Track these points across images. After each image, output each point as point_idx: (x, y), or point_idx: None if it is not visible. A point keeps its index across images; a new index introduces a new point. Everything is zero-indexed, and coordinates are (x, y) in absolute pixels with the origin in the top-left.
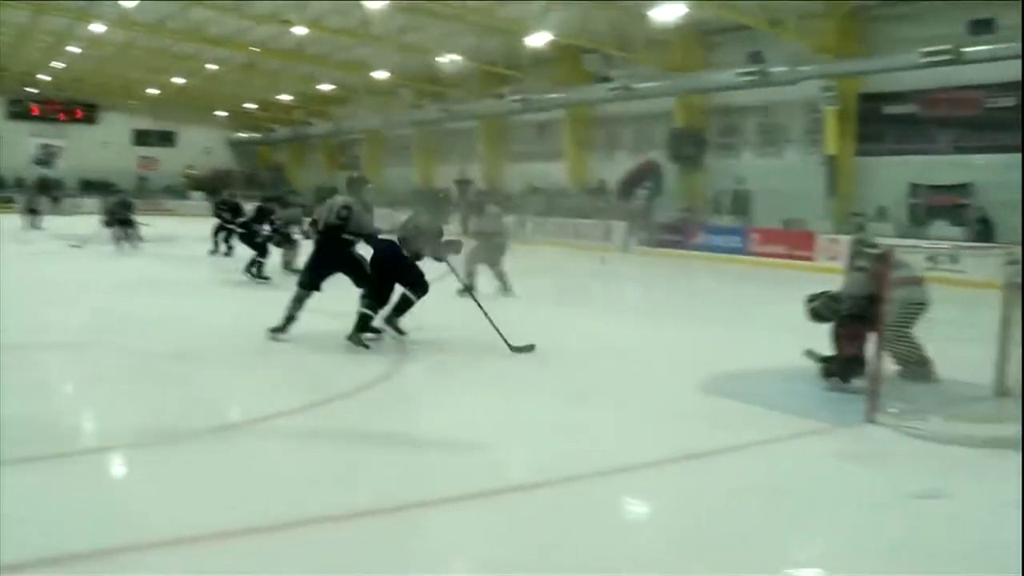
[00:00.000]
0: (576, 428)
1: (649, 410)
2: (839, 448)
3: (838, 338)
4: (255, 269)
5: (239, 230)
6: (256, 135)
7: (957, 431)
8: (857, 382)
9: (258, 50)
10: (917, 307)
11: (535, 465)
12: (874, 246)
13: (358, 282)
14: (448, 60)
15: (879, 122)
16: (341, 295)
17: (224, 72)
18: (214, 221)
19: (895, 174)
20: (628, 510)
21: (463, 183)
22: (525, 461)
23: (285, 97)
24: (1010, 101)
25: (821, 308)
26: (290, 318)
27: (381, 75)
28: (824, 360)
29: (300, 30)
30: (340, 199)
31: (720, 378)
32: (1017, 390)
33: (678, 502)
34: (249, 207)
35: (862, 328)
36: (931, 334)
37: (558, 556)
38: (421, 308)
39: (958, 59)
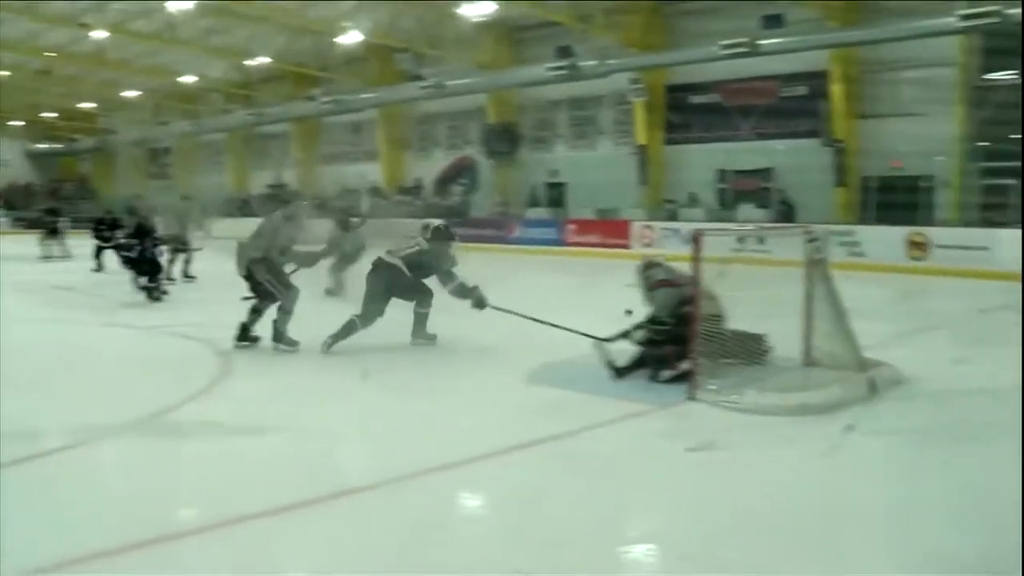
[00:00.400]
0: (403, 425)
1: (475, 402)
2: (663, 427)
3: (659, 360)
4: (150, 285)
5: (124, 252)
6: (57, 145)
7: (771, 401)
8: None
9: (54, 55)
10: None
11: (363, 467)
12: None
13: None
14: (257, 62)
15: (685, 112)
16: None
17: (17, 79)
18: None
19: (703, 161)
20: (459, 505)
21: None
22: (354, 463)
23: (87, 105)
24: (803, 90)
25: (648, 335)
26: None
27: (189, 80)
28: (617, 369)
29: (100, 34)
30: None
31: (544, 368)
32: (823, 359)
33: (508, 492)
34: None
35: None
36: (746, 312)
37: (388, 558)
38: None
39: (754, 51)
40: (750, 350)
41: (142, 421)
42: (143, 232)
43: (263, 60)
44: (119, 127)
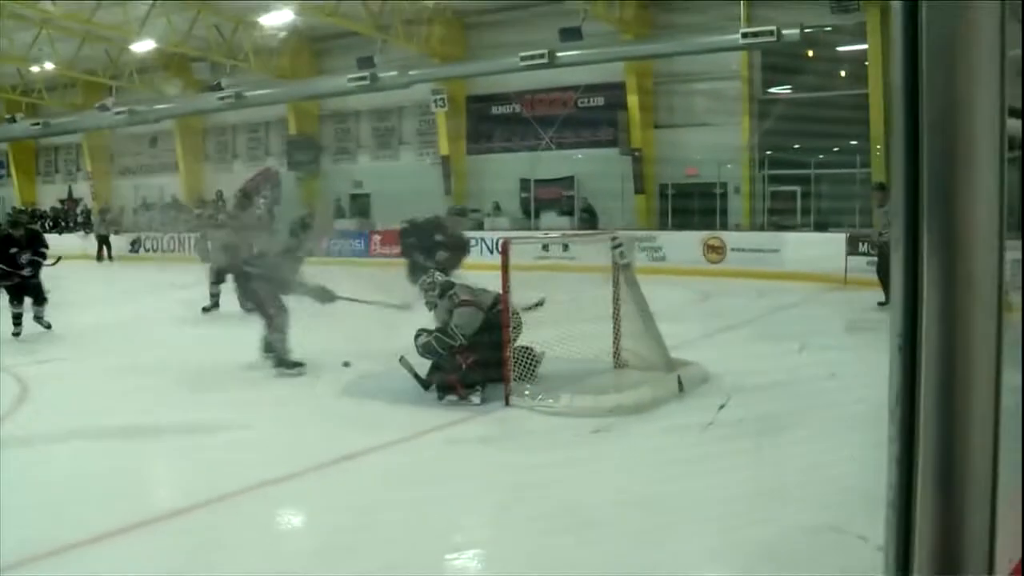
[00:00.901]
0: (220, 442)
1: (293, 416)
2: (481, 433)
3: (456, 367)
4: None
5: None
6: None
7: (585, 403)
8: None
9: None
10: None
11: (183, 487)
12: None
13: None
14: (41, 69)
15: (487, 122)
16: None
17: None
18: None
19: (505, 170)
20: (278, 522)
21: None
22: (172, 483)
23: None
24: (601, 100)
25: (434, 344)
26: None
27: None
28: (423, 381)
29: None
30: None
31: (361, 379)
32: (632, 360)
33: (329, 506)
34: None
35: (474, 352)
36: (555, 317)
37: None
38: None
39: (553, 63)
40: (525, 364)
41: None
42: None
43: (48, 66)
44: None
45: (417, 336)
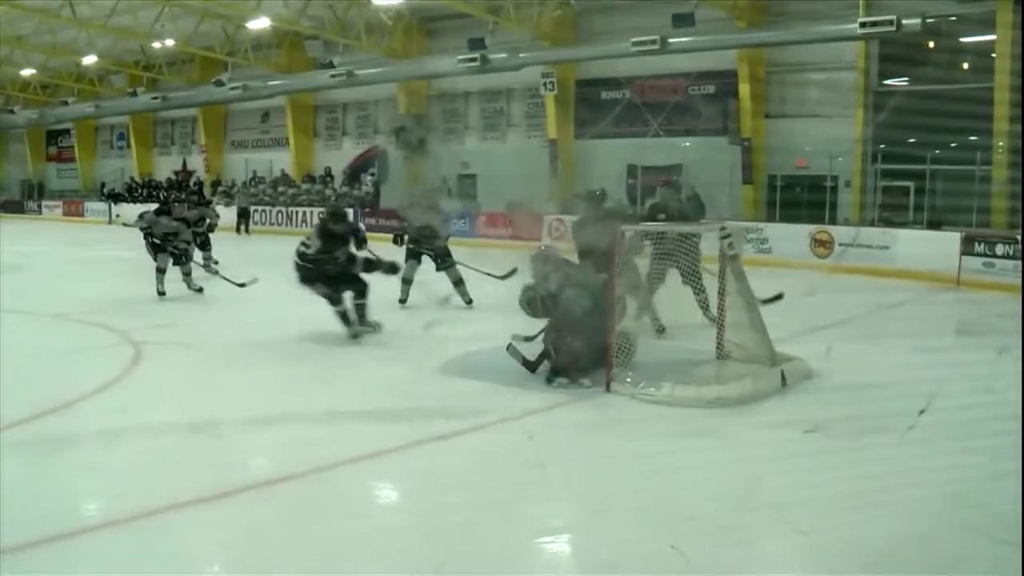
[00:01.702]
0: (318, 417)
1: (391, 394)
2: (581, 419)
3: (571, 351)
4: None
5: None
6: None
7: (686, 394)
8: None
9: None
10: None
11: (280, 460)
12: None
13: None
14: (162, 45)
15: (596, 107)
16: None
17: None
18: None
19: (612, 156)
20: (377, 496)
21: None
22: (269, 456)
23: None
24: (711, 88)
25: (538, 304)
26: None
27: (90, 60)
28: (528, 364)
29: None
30: None
31: (459, 359)
32: (735, 353)
33: (426, 483)
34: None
35: (586, 336)
36: (660, 306)
37: (303, 551)
38: None
39: (664, 49)
40: (624, 350)
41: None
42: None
43: (169, 43)
44: (15, 106)
45: (525, 290)
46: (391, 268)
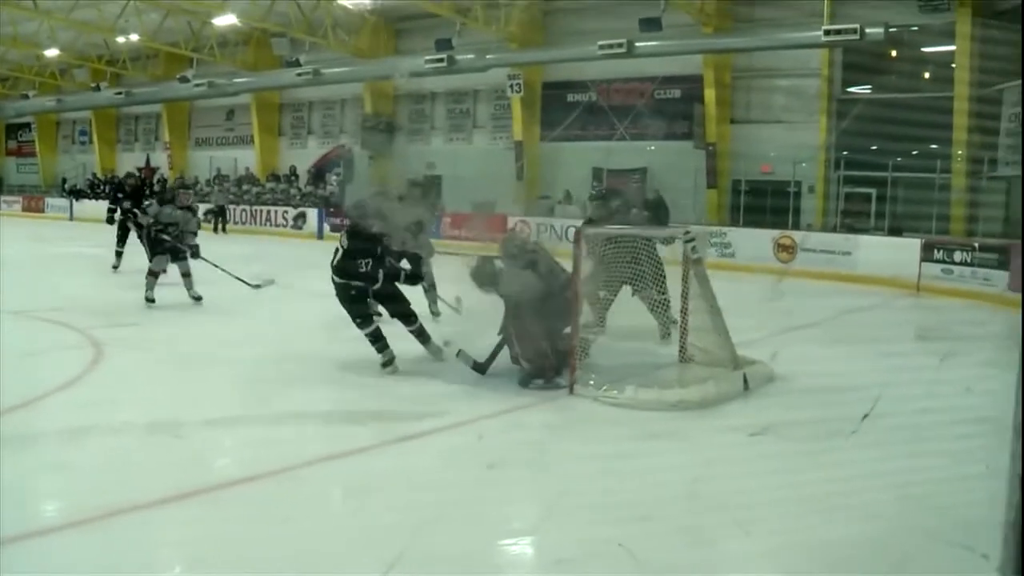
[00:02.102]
0: (283, 417)
1: (358, 395)
2: (545, 420)
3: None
4: None
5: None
6: None
7: (649, 397)
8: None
9: None
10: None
11: (245, 459)
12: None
13: None
14: (127, 40)
15: (562, 109)
16: None
17: None
18: None
19: (578, 159)
20: (341, 496)
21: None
22: (236, 455)
23: None
24: (677, 93)
25: (484, 276)
26: None
27: (52, 53)
28: (478, 366)
29: None
30: None
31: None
32: (698, 356)
33: (391, 483)
34: None
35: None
36: (621, 308)
37: (265, 551)
38: None
39: (631, 52)
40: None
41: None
42: None
43: (133, 38)
44: None
45: (479, 262)
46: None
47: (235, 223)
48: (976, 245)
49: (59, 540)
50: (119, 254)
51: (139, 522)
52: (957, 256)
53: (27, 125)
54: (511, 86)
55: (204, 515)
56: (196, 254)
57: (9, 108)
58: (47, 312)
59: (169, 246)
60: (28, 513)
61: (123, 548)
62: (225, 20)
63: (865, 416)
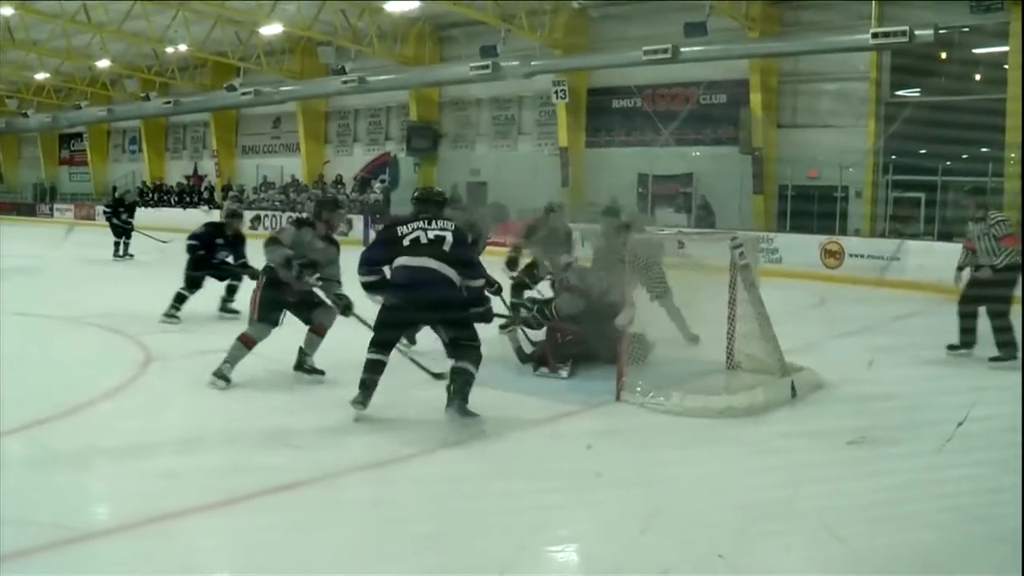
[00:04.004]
0: (331, 426)
1: (400, 403)
2: (590, 427)
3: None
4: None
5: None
6: None
7: (696, 404)
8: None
9: None
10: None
11: (287, 467)
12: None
13: None
14: (175, 50)
15: (607, 115)
16: None
17: None
18: None
19: (623, 164)
20: (385, 503)
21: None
22: (277, 464)
23: None
24: (723, 98)
25: (531, 320)
26: None
27: (104, 64)
28: (521, 354)
29: (6, 10)
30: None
31: None
32: (745, 363)
33: (435, 491)
34: None
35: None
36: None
37: (309, 557)
38: None
39: (676, 58)
40: (636, 351)
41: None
42: None
43: (181, 48)
44: (28, 110)
45: (516, 307)
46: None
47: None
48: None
49: (99, 545)
50: (181, 299)
51: (180, 529)
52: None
53: (79, 135)
54: (556, 92)
55: (242, 523)
56: (348, 310)
57: (62, 119)
58: (97, 318)
59: (313, 300)
60: (69, 517)
61: (162, 553)
62: (272, 29)
63: (960, 424)
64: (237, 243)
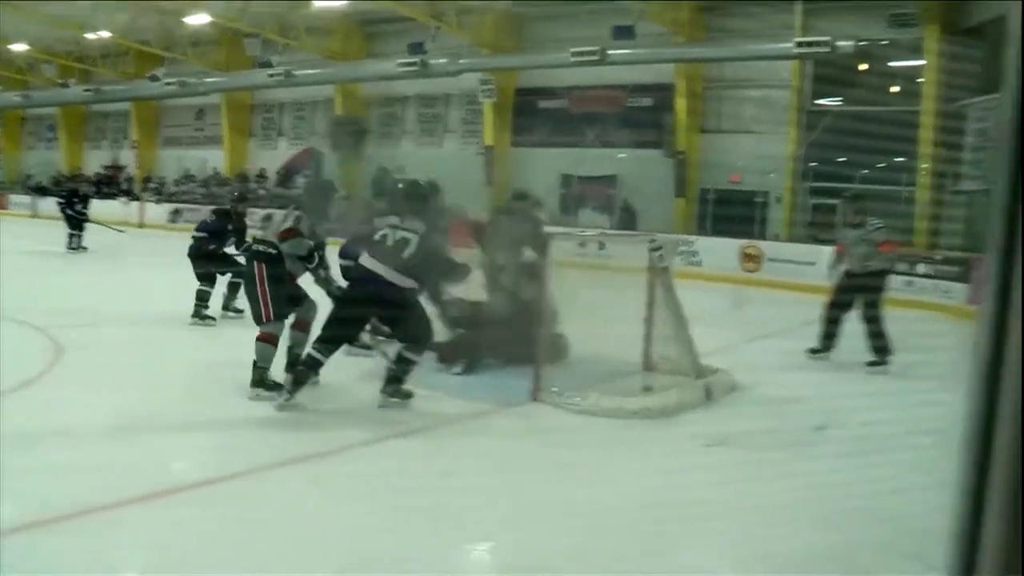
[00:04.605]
0: (242, 421)
1: (319, 400)
2: (506, 426)
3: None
4: None
5: None
6: None
7: (611, 404)
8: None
9: None
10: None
11: (208, 463)
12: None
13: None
14: (97, 36)
15: (534, 115)
16: None
17: None
18: None
19: (548, 165)
20: (304, 500)
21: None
22: (194, 458)
23: None
24: (648, 101)
25: (462, 321)
26: None
27: (20, 47)
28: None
29: None
30: None
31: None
32: (661, 364)
33: (352, 489)
34: None
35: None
36: (587, 317)
37: (219, 553)
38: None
39: (603, 60)
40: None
41: None
42: None
43: (104, 34)
44: None
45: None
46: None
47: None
48: (938, 257)
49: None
50: (204, 296)
51: (104, 524)
52: (920, 268)
53: None
54: (483, 91)
55: (161, 518)
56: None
57: None
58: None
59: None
60: None
61: (88, 549)
62: (198, 19)
63: (820, 428)
64: (243, 230)
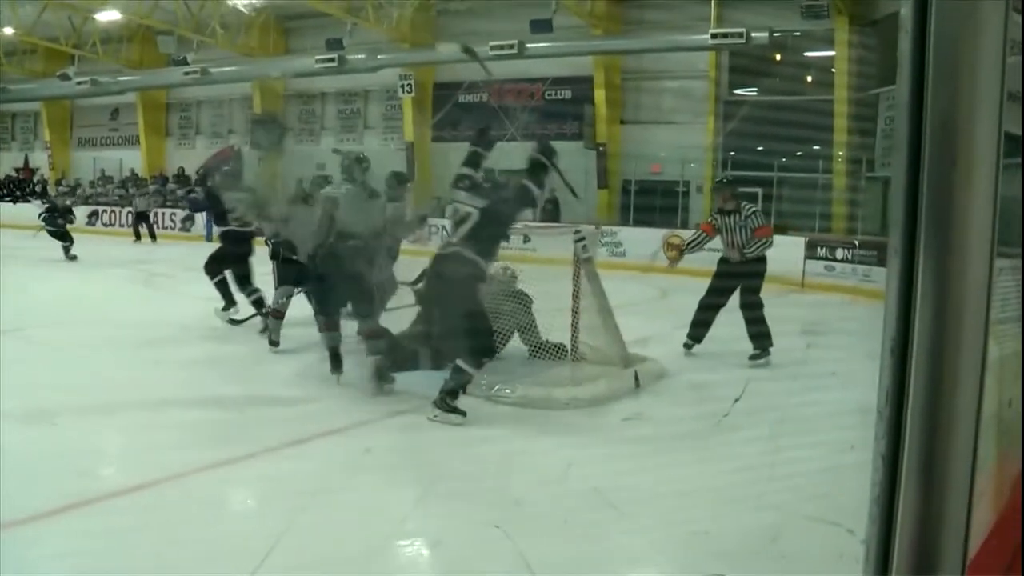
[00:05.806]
0: (176, 423)
1: (244, 400)
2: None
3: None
4: None
5: None
6: None
7: (540, 395)
8: None
9: None
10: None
11: (131, 467)
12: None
13: None
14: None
15: (454, 110)
16: None
17: None
18: None
19: None
20: (227, 501)
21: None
22: (121, 463)
23: None
24: (567, 93)
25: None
26: None
27: None
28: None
29: None
30: None
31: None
32: (589, 354)
33: (278, 488)
34: None
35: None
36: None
37: (128, 561)
38: None
39: (521, 53)
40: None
41: None
42: None
43: (8, 31)
44: None
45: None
46: None
47: (120, 226)
48: (856, 242)
49: None
50: (229, 298)
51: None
52: (839, 253)
53: None
54: (402, 86)
55: (82, 526)
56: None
57: None
58: None
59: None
60: None
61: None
62: (108, 15)
63: (736, 400)
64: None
